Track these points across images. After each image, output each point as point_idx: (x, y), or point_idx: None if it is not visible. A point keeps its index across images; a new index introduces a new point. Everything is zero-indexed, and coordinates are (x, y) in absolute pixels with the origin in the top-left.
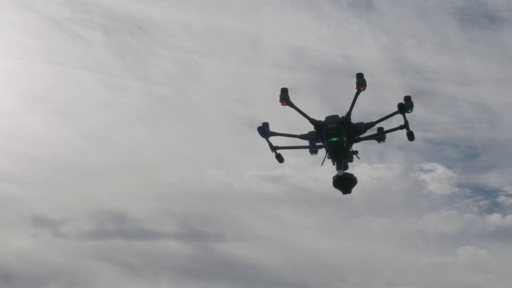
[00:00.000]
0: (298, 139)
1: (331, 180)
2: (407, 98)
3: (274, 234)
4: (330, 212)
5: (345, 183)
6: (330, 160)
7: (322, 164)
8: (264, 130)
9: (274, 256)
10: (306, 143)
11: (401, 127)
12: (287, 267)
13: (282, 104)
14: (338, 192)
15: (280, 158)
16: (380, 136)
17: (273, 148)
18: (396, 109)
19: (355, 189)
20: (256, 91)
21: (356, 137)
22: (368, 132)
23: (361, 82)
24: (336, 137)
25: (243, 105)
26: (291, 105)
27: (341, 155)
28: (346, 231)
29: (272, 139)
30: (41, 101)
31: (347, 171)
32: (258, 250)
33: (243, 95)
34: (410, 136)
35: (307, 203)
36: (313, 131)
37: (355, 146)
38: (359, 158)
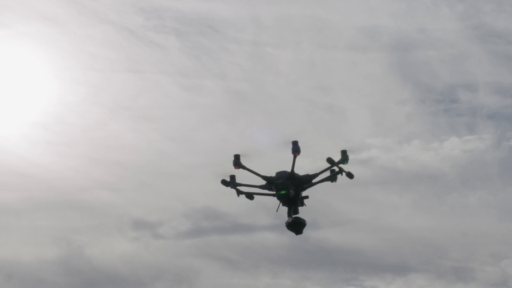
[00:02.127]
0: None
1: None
2: (344, 152)
3: (368, 217)
4: (423, 190)
5: (295, 226)
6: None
7: (277, 211)
8: (232, 182)
9: (371, 239)
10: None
11: (338, 173)
12: (386, 249)
13: (235, 168)
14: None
15: (250, 196)
16: (332, 177)
17: (240, 193)
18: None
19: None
20: (332, 75)
21: (305, 186)
22: (322, 175)
23: (295, 149)
24: (284, 191)
25: (321, 91)
26: (244, 167)
27: (290, 203)
28: (442, 208)
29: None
30: (126, 109)
31: (299, 215)
32: (354, 234)
33: (320, 81)
34: (349, 175)
35: (398, 183)
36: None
37: (308, 191)
38: (305, 205)
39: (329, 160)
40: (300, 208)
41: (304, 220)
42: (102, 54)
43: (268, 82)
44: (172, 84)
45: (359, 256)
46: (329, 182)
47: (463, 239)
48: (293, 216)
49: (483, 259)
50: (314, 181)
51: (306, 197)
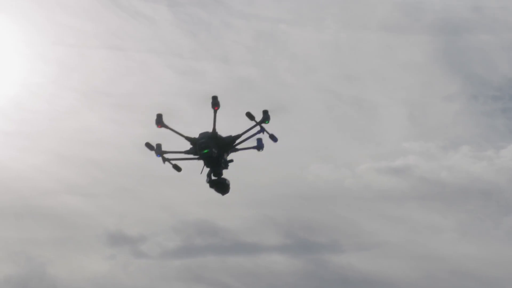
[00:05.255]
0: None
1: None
2: (265, 112)
3: (402, 239)
4: (473, 209)
5: (218, 186)
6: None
7: (201, 173)
8: (158, 149)
9: (404, 267)
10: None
11: (259, 132)
12: (422, 280)
13: (158, 127)
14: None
15: (177, 168)
16: (257, 146)
17: (165, 160)
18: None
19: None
20: (361, 62)
21: (229, 148)
22: (247, 143)
23: (215, 103)
24: (206, 149)
25: (347, 81)
26: (166, 127)
27: (213, 164)
28: (497, 232)
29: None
30: (103, 95)
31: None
32: (383, 261)
33: (346, 68)
34: (272, 138)
35: (441, 199)
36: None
37: (233, 155)
38: (227, 167)
39: (249, 114)
40: (224, 171)
41: (226, 181)
42: (75, 26)
43: (281, 67)
44: (162, 66)
45: (389, 287)
46: (256, 150)
47: None
48: (216, 177)
49: None
50: (238, 142)
51: (231, 160)
